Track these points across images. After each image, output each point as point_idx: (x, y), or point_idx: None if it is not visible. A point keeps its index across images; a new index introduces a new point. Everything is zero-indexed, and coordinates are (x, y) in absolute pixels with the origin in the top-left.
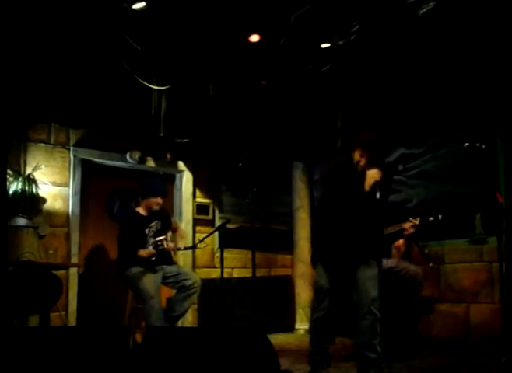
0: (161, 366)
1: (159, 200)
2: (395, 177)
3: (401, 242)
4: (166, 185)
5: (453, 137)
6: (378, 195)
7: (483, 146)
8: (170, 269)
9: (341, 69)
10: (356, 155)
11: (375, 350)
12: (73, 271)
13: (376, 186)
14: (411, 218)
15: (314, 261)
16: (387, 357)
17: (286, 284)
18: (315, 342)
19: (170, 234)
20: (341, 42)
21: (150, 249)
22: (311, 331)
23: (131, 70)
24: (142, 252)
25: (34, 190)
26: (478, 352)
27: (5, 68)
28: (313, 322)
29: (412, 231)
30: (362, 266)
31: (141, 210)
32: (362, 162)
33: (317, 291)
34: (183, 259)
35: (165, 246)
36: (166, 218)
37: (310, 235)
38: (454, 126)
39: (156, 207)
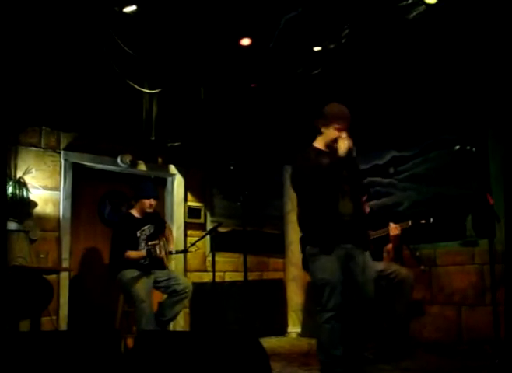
0: (153, 370)
1: (151, 201)
2: (386, 180)
3: (390, 245)
4: (157, 188)
5: (444, 140)
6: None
7: (474, 149)
8: (161, 273)
9: (332, 73)
10: (330, 132)
11: (371, 350)
12: (64, 275)
13: (350, 151)
14: (391, 223)
15: (314, 255)
16: (378, 358)
17: (278, 288)
18: (328, 349)
19: (163, 239)
20: (331, 46)
21: (141, 252)
22: (322, 337)
23: (122, 73)
24: (131, 253)
25: (25, 194)
26: (470, 354)
27: None
28: (322, 325)
29: (397, 232)
30: (367, 259)
31: (134, 212)
32: (343, 134)
33: (322, 288)
34: (175, 263)
35: (157, 252)
36: (160, 223)
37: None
38: (445, 129)
39: (148, 209)
